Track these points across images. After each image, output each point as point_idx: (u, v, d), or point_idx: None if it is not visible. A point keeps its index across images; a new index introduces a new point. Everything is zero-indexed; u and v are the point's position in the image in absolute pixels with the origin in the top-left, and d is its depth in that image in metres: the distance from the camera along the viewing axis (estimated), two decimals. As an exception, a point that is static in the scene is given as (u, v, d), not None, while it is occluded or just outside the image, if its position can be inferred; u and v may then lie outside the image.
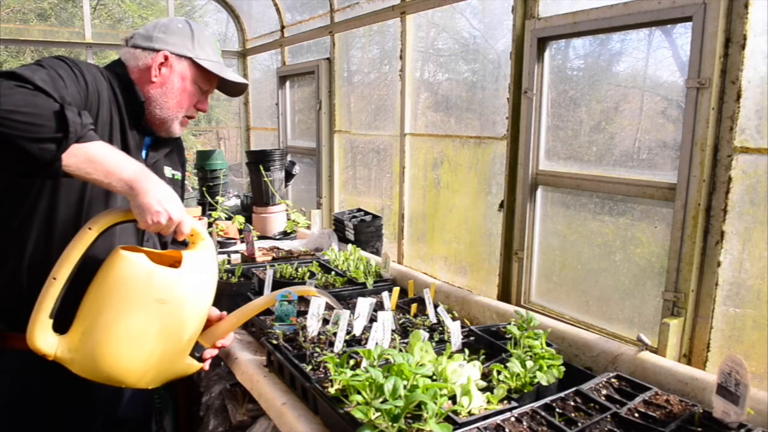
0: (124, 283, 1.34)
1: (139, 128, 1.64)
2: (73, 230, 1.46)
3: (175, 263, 1.41)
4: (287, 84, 4.58)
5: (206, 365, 1.56)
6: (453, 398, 1.44)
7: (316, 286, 2.41)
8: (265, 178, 3.72)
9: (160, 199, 1.30)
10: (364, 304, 1.91)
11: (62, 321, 1.36)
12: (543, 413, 1.40)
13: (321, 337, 1.85)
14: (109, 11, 10.07)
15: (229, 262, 2.88)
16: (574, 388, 1.53)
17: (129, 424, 1.79)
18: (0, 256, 1.48)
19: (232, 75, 1.75)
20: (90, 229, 1.33)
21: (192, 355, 1.51)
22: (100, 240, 1.39)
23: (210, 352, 1.56)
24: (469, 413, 1.40)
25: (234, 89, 1.80)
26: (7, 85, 1.17)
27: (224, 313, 1.61)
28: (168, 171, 1.78)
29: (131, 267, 1.35)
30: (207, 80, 1.71)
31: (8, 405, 1.50)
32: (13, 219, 1.46)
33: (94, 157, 1.25)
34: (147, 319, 1.36)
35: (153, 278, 1.36)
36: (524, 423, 1.37)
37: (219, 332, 1.54)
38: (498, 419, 1.37)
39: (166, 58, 1.62)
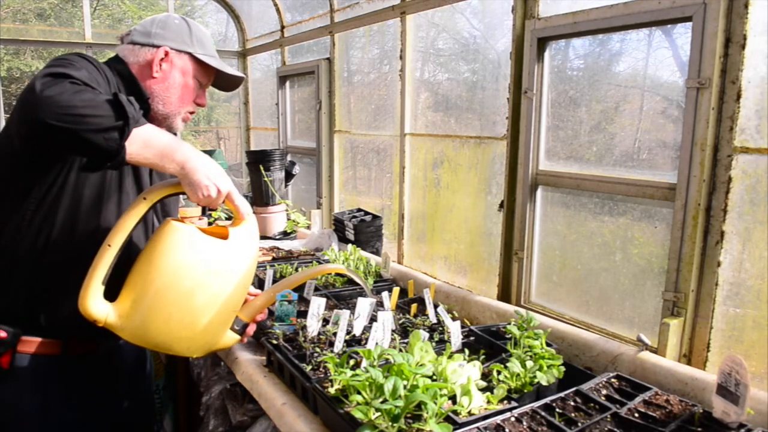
0: (177, 254, 1.39)
1: None
2: (94, 233, 1.50)
3: (222, 237, 1.46)
4: (287, 84, 4.58)
5: (245, 339, 1.62)
6: (453, 398, 1.44)
7: (316, 288, 2.41)
8: (265, 178, 3.72)
9: (209, 174, 1.36)
10: (364, 304, 1.91)
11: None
12: (543, 413, 1.40)
13: (321, 337, 1.85)
14: (109, 11, 10.07)
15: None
16: (574, 388, 1.53)
17: (135, 427, 1.80)
18: (18, 258, 1.48)
19: (230, 69, 1.77)
20: (144, 198, 1.39)
21: (231, 328, 1.56)
22: (102, 225, 1.45)
23: (252, 327, 1.62)
24: (469, 413, 1.40)
25: (229, 84, 1.83)
26: (57, 83, 1.20)
27: (259, 290, 1.66)
28: None
29: (184, 238, 1.41)
30: (205, 75, 1.72)
31: (27, 413, 1.50)
32: (31, 222, 1.46)
33: (150, 142, 1.29)
34: (197, 289, 1.40)
35: (204, 249, 1.42)
36: (524, 423, 1.37)
37: (257, 306, 1.60)
38: (498, 419, 1.37)
39: (166, 53, 1.63)
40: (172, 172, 1.35)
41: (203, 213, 3.96)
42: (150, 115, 1.65)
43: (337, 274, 2.63)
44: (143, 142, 1.28)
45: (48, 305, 1.49)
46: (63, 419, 1.53)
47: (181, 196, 1.47)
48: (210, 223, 3.71)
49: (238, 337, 1.57)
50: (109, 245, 1.35)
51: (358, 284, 2.49)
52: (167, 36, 1.64)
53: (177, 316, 1.39)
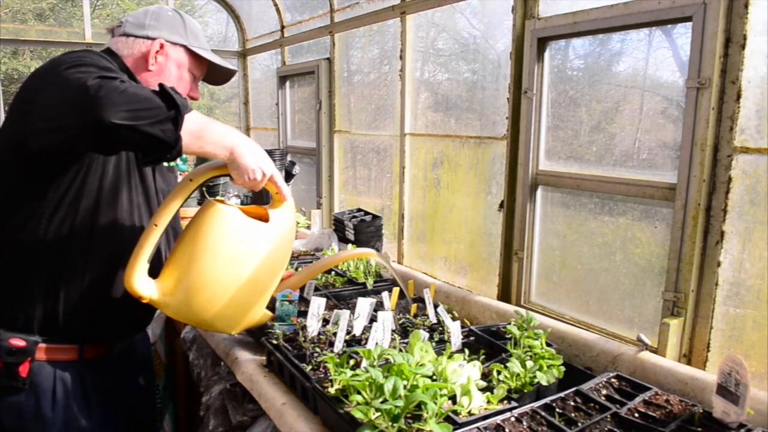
0: (221, 234, 1.43)
1: None
2: (110, 233, 1.51)
3: (261, 219, 1.51)
4: (287, 84, 4.58)
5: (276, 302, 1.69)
6: (453, 398, 1.44)
7: (316, 288, 2.41)
8: (265, 178, 3.71)
9: (256, 158, 1.41)
10: (364, 304, 1.91)
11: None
12: (543, 413, 1.40)
13: (321, 337, 1.85)
14: (109, 11, 10.07)
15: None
16: (574, 388, 1.53)
17: (143, 425, 1.81)
18: (35, 263, 1.47)
19: (223, 61, 1.77)
20: (191, 180, 1.43)
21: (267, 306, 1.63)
22: (109, 214, 1.49)
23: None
24: (469, 413, 1.40)
25: (220, 77, 1.82)
26: (107, 83, 1.21)
27: (291, 270, 1.69)
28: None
29: (228, 219, 1.45)
30: (199, 67, 1.72)
31: (49, 419, 1.50)
32: (49, 225, 1.45)
33: (201, 131, 1.31)
34: (239, 268, 1.45)
35: (247, 230, 1.47)
36: (524, 423, 1.37)
37: (290, 285, 1.67)
38: (498, 419, 1.37)
39: (161, 45, 1.61)
40: (221, 158, 1.37)
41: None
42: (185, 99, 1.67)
43: (337, 274, 2.63)
44: (195, 130, 1.29)
45: (65, 311, 1.48)
46: (83, 424, 1.54)
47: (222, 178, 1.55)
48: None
49: (271, 313, 1.63)
50: (156, 225, 1.38)
51: (358, 284, 2.50)
52: (162, 28, 1.63)
53: (220, 295, 1.43)
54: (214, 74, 1.79)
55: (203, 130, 1.32)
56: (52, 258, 1.47)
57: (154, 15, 1.64)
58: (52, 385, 1.49)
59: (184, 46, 1.66)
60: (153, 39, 1.61)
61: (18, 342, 1.44)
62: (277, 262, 1.53)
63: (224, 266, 1.43)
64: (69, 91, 1.23)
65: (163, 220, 1.39)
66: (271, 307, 2.09)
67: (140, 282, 1.38)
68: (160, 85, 1.28)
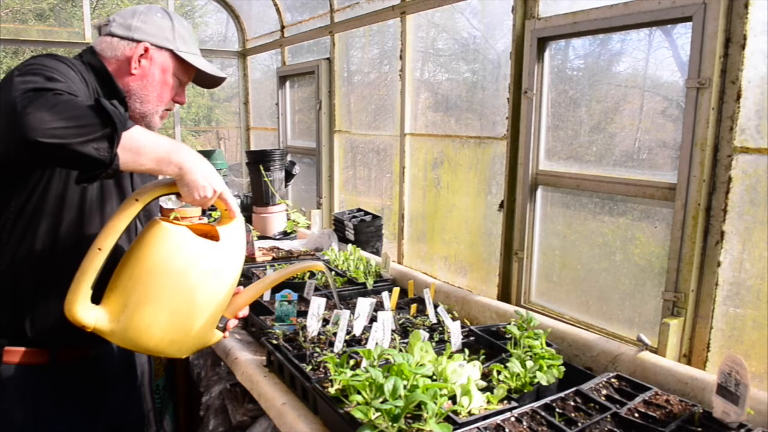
0: (169, 254, 1.35)
1: None
2: (78, 239, 1.45)
3: (207, 237, 1.44)
4: (287, 84, 4.58)
5: (227, 335, 1.59)
6: (453, 398, 1.44)
7: (316, 288, 2.42)
8: (265, 178, 3.72)
9: (206, 174, 1.33)
10: (364, 304, 1.91)
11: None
12: (543, 413, 1.40)
13: (321, 337, 1.85)
14: (108, 11, 10.07)
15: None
16: (574, 388, 1.53)
17: (128, 428, 1.77)
18: (0, 275, 1.44)
19: (212, 68, 1.71)
20: (137, 200, 1.33)
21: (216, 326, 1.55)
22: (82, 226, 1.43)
23: (232, 323, 1.58)
24: (469, 413, 1.40)
25: (210, 82, 1.77)
26: (38, 97, 1.15)
27: (240, 287, 1.62)
28: None
29: (175, 238, 1.37)
30: (186, 72, 1.66)
31: (18, 424, 1.47)
32: (12, 232, 1.42)
33: (143, 148, 1.23)
34: (189, 289, 1.37)
35: (196, 249, 1.38)
36: (524, 423, 1.37)
37: (240, 304, 1.57)
38: (498, 419, 1.37)
39: (146, 49, 1.56)
40: (168, 174, 1.30)
41: (203, 213, 3.96)
42: (127, 113, 1.62)
43: (337, 274, 2.63)
44: (136, 148, 1.22)
45: (33, 315, 1.45)
46: (55, 428, 1.50)
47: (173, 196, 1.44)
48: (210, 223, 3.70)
49: (221, 334, 1.54)
50: (100, 248, 1.29)
51: (358, 284, 2.50)
52: (148, 30, 1.57)
53: (171, 319, 1.36)
54: (204, 78, 1.74)
55: (146, 147, 1.24)
56: (17, 267, 1.43)
57: (142, 16, 1.58)
58: (22, 389, 1.46)
59: (171, 51, 1.60)
60: (138, 42, 1.56)
61: None
62: (227, 281, 1.45)
63: (174, 288, 1.35)
64: (6, 104, 1.17)
65: (108, 244, 1.29)
66: (258, 310, 2.08)
67: (83, 310, 1.28)
68: (96, 100, 1.20)
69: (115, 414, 1.68)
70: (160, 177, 1.45)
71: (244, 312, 1.61)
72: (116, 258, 1.39)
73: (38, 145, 1.11)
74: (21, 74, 1.25)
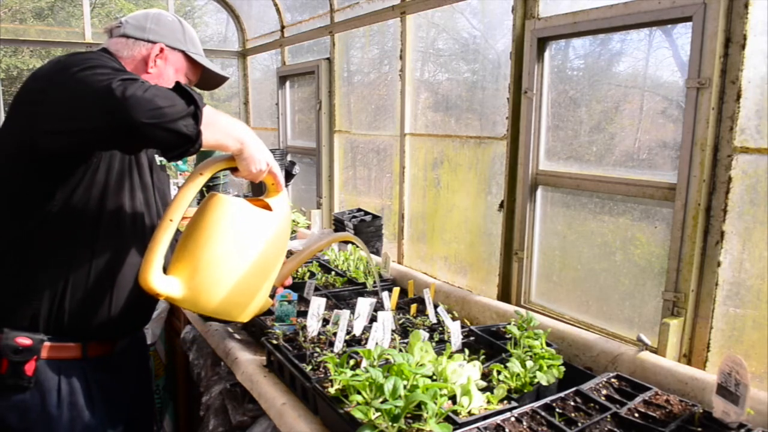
0: (233, 223, 1.46)
1: None
2: (115, 231, 1.54)
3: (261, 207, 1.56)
4: (287, 84, 4.58)
5: (275, 301, 1.74)
6: (453, 398, 1.44)
7: (316, 288, 2.41)
8: (265, 178, 3.71)
9: (261, 149, 1.45)
10: (364, 304, 1.91)
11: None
12: (543, 413, 1.40)
13: (321, 337, 1.85)
14: (108, 10, 10.07)
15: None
16: (574, 388, 1.53)
17: (139, 422, 1.82)
18: (40, 263, 1.48)
19: (218, 69, 1.82)
20: (201, 174, 1.44)
21: None
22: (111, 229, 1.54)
23: (280, 290, 1.73)
24: (469, 413, 1.40)
25: (212, 83, 1.86)
26: (131, 84, 1.23)
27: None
28: (157, 158, 1.82)
29: (237, 208, 1.48)
30: (194, 72, 1.76)
31: (55, 417, 1.51)
32: (55, 225, 1.47)
33: (215, 124, 1.35)
34: (251, 255, 1.48)
35: (255, 218, 1.51)
36: (524, 423, 1.37)
37: (285, 273, 1.70)
38: (498, 419, 1.37)
39: (161, 50, 1.64)
40: (231, 149, 1.41)
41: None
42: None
43: (337, 274, 2.63)
44: (211, 124, 1.33)
45: (71, 309, 1.50)
46: (88, 422, 1.55)
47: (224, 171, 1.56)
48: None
49: (272, 300, 1.68)
50: (171, 220, 1.39)
51: (358, 284, 2.50)
52: (162, 32, 1.65)
53: (236, 284, 1.46)
54: (207, 80, 1.83)
55: (218, 123, 1.36)
56: (59, 257, 1.49)
57: (155, 19, 1.66)
58: (57, 384, 1.51)
59: (183, 52, 1.69)
60: (154, 43, 1.64)
61: (24, 340, 1.46)
62: (281, 248, 1.58)
63: (238, 254, 1.46)
64: (91, 93, 1.26)
65: (178, 215, 1.40)
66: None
67: (157, 278, 1.38)
68: (177, 83, 1.32)
69: (133, 407, 1.74)
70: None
71: (288, 281, 1.76)
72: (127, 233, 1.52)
73: (143, 126, 1.22)
74: (86, 68, 1.32)
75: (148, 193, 1.67)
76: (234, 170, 1.48)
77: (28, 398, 1.48)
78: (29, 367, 1.47)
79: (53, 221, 1.46)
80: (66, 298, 1.50)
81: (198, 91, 1.45)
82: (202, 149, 1.35)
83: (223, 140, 1.38)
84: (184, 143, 1.30)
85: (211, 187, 4.28)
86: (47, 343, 1.49)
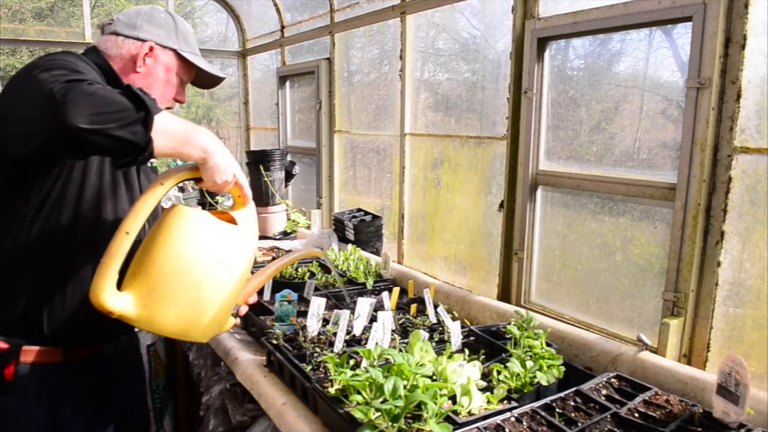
0: (194, 238, 1.37)
1: None
2: (94, 236, 1.47)
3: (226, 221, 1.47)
4: (287, 84, 4.58)
5: (238, 321, 1.61)
6: (453, 398, 1.44)
7: (316, 288, 2.41)
8: (265, 178, 3.72)
9: (226, 159, 1.37)
10: (364, 304, 1.91)
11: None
12: (543, 413, 1.40)
13: (321, 337, 1.85)
14: (107, 10, 10.07)
15: (228, 262, 2.87)
16: (574, 388, 1.53)
17: (132, 425, 1.79)
18: (17, 268, 1.45)
19: (213, 68, 1.75)
20: (162, 184, 1.34)
21: None
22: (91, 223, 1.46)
23: (243, 309, 1.61)
24: (469, 413, 1.40)
25: (208, 82, 1.80)
26: (74, 86, 1.18)
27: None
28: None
29: (200, 222, 1.39)
30: (187, 72, 1.71)
31: (35, 423, 1.48)
32: (30, 230, 1.43)
33: (173, 132, 1.27)
34: (214, 274, 1.39)
35: (220, 233, 1.41)
36: (524, 423, 1.37)
37: (250, 290, 1.59)
38: (498, 419, 1.37)
39: (151, 48, 1.59)
40: (194, 159, 1.33)
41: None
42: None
43: (338, 274, 2.63)
44: (166, 131, 1.25)
45: (49, 313, 1.47)
46: (73, 426, 1.52)
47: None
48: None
49: (235, 320, 1.56)
50: (127, 232, 1.29)
51: (358, 284, 2.50)
52: (153, 30, 1.61)
53: (195, 302, 1.37)
54: (203, 79, 1.77)
55: (175, 131, 1.28)
56: (35, 264, 1.44)
57: (147, 16, 1.62)
58: (38, 388, 1.47)
59: (174, 50, 1.64)
60: (143, 41, 1.59)
61: (1, 344, 1.42)
62: (246, 264, 1.47)
63: (198, 271, 1.36)
64: (39, 96, 1.20)
65: (135, 228, 1.30)
66: (258, 310, 2.08)
67: (109, 296, 1.27)
68: (127, 86, 1.24)
69: (124, 409, 1.71)
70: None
71: (254, 298, 1.66)
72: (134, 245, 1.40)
73: (81, 131, 1.14)
74: (45, 69, 1.27)
75: (133, 194, 1.61)
76: (199, 180, 1.39)
77: (8, 403, 1.44)
78: (8, 372, 1.43)
79: (28, 228, 1.42)
80: (44, 304, 1.45)
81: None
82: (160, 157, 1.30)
83: (181, 149, 1.29)
84: (132, 151, 1.22)
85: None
86: (26, 347, 1.45)
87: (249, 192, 1.48)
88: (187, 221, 1.37)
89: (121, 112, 1.19)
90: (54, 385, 1.50)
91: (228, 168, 1.36)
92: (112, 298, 1.28)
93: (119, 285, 1.31)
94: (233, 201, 1.51)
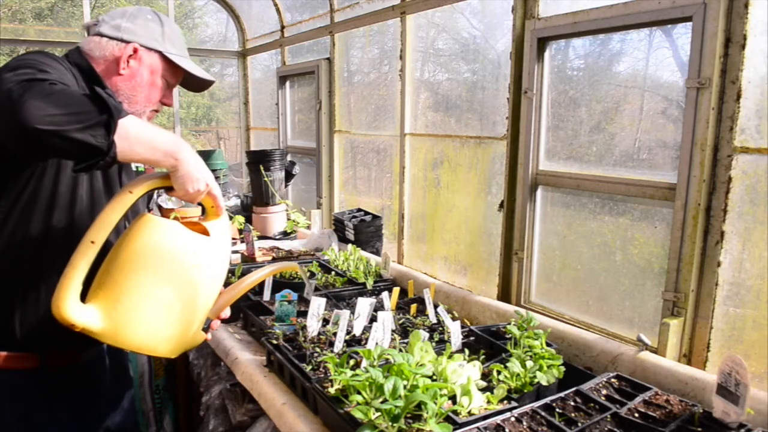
0: (164, 248, 1.31)
1: None
2: (67, 240, 1.40)
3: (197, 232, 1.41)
4: (287, 84, 4.58)
5: (210, 336, 1.55)
6: (453, 398, 1.44)
7: (316, 288, 2.42)
8: (265, 178, 3.72)
9: (199, 168, 1.31)
10: (364, 304, 1.91)
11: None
12: (543, 413, 1.40)
13: (321, 337, 1.85)
14: (108, 11, 10.07)
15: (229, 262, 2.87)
16: (574, 388, 1.53)
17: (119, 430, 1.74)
18: None
19: (200, 71, 1.70)
20: (130, 192, 1.29)
21: None
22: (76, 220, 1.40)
23: (216, 323, 1.55)
24: (469, 413, 1.40)
25: (197, 85, 1.76)
26: (34, 86, 1.14)
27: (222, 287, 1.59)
28: (133, 164, 1.73)
29: (170, 232, 1.33)
30: (174, 75, 1.66)
31: (10, 429, 1.44)
32: (1, 232, 1.39)
33: (139, 136, 1.22)
34: (183, 286, 1.33)
35: (190, 245, 1.35)
36: (524, 423, 1.37)
37: (222, 304, 1.52)
38: (498, 419, 1.37)
39: (135, 50, 1.55)
40: (163, 165, 1.27)
41: (203, 213, 3.95)
42: (121, 104, 1.56)
43: (337, 274, 2.63)
44: (132, 136, 1.19)
45: (23, 317, 1.43)
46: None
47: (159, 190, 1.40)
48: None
49: (205, 335, 1.49)
50: (93, 242, 1.23)
51: (358, 284, 2.50)
52: (138, 31, 1.56)
53: (165, 316, 1.31)
54: (192, 81, 1.72)
55: (142, 136, 1.22)
56: (6, 270, 1.41)
57: (132, 16, 1.57)
58: (11, 395, 1.43)
59: (160, 52, 1.59)
60: (127, 42, 1.54)
61: None
62: (216, 277, 1.42)
63: (167, 283, 1.30)
64: (0, 95, 1.15)
65: (100, 237, 1.24)
66: (258, 310, 2.08)
67: (72, 308, 1.20)
68: (92, 88, 1.19)
69: (108, 419, 1.66)
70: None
71: (226, 313, 1.59)
72: (101, 254, 1.33)
73: (37, 132, 1.10)
74: (12, 68, 1.23)
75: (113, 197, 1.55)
76: (170, 189, 1.33)
77: None
78: None
79: (0, 230, 1.38)
80: (16, 308, 1.42)
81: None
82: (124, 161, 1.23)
83: (148, 155, 1.24)
84: (92, 155, 1.16)
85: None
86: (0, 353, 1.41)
87: (222, 203, 1.43)
88: (156, 231, 1.32)
89: (82, 114, 1.14)
90: (29, 392, 1.45)
91: (200, 177, 1.31)
92: (75, 310, 1.22)
93: (84, 297, 1.26)
94: (206, 211, 1.45)
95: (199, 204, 1.42)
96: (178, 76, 1.68)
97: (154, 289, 1.29)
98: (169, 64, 1.62)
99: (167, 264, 1.31)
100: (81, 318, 1.22)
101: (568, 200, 2.21)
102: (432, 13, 2.97)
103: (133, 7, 1.61)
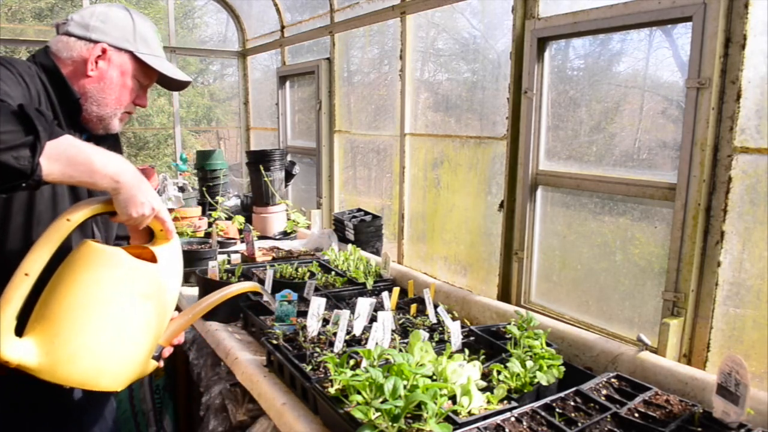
0: (107, 278, 1.24)
1: (76, 126, 1.52)
2: (23, 243, 1.35)
3: (144, 258, 1.34)
4: (287, 84, 4.59)
5: (162, 363, 1.47)
6: (453, 398, 1.44)
7: (316, 288, 2.41)
8: (265, 178, 3.72)
9: (144, 191, 1.25)
10: (364, 304, 1.91)
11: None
12: (543, 413, 1.40)
13: (321, 337, 1.85)
14: (108, 11, 10.07)
15: (229, 262, 2.87)
16: (574, 388, 1.53)
17: None
18: None
19: (174, 71, 1.63)
20: (68, 220, 1.21)
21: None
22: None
23: (167, 350, 1.47)
24: (469, 413, 1.40)
25: (175, 84, 1.68)
26: None
27: (175, 312, 1.51)
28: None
29: (113, 261, 1.26)
30: (147, 75, 1.59)
31: None
32: None
33: (75, 158, 1.15)
34: (130, 317, 1.27)
35: (137, 273, 1.28)
36: (524, 423, 1.37)
37: (175, 330, 1.45)
38: (498, 419, 1.37)
39: (104, 50, 1.49)
40: (103, 188, 1.20)
41: (203, 213, 3.96)
42: (83, 116, 1.51)
43: (337, 274, 2.63)
44: (65, 158, 1.12)
45: None
46: None
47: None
48: (210, 224, 3.70)
49: (157, 363, 1.41)
50: (27, 274, 1.15)
51: (358, 284, 2.50)
52: (107, 31, 1.50)
53: (108, 349, 1.24)
54: (168, 81, 1.65)
55: (76, 158, 1.14)
56: None
57: (102, 15, 1.51)
58: None
59: (131, 52, 1.53)
60: (96, 42, 1.48)
61: None
62: (166, 305, 1.36)
63: (112, 314, 1.24)
64: None
65: (35, 268, 1.16)
66: (258, 310, 2.08)
67: (6, 344, 1.13)
68: (20, 106, 1.10)
69: (93, 427, 1.61)
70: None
71: (179, 339, 1.53)
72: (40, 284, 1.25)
73: None
74: None
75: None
76: (113, 214, 1.26)
77: None
78: None
79: None
80: None
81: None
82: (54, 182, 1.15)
83: (84, 177, 1.15)
84: (14, 177, 1.07)
85: (210, 186, 4.29)
86: None
87: (172, 226, 1.37)
88: (97, 259, 1.25)
89: (5, 134, 1.05)
90: None
91: (145, 201, 1.24)
92: (9, 345, 1.14)
93: (21, 331, 1.18)
94: (155, 235, 1.39)
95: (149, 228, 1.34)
96: (151, 77, 1.61)
97: (95, 321, 1.22)
98: (142, 65, 1.55)
99: (109, 294, 1.25)
100: (15, 354, 1.14)
101: (568, 200, 2.21)
102: (432, 13, 2.97)
103: (103, 5, 1.55)
